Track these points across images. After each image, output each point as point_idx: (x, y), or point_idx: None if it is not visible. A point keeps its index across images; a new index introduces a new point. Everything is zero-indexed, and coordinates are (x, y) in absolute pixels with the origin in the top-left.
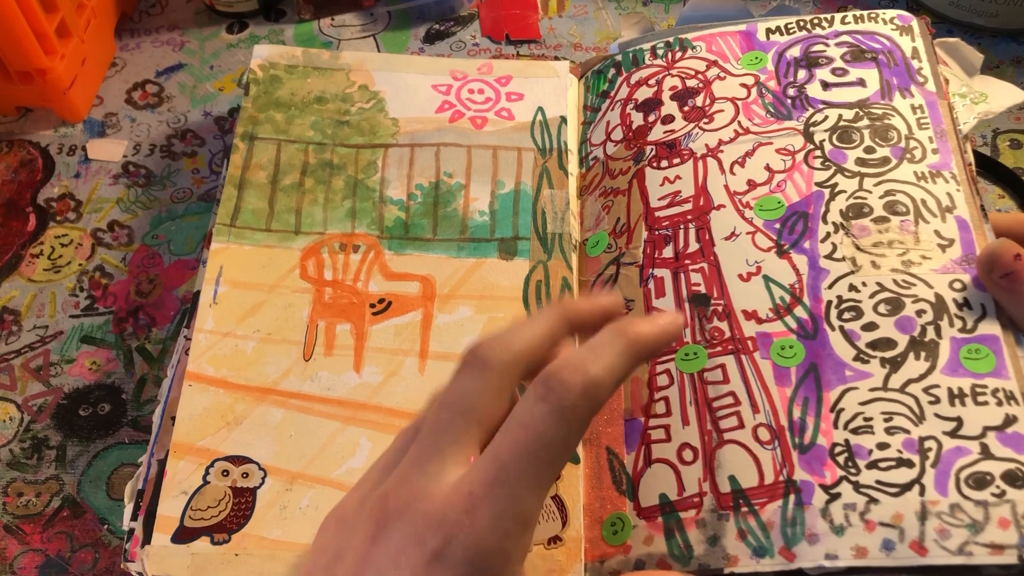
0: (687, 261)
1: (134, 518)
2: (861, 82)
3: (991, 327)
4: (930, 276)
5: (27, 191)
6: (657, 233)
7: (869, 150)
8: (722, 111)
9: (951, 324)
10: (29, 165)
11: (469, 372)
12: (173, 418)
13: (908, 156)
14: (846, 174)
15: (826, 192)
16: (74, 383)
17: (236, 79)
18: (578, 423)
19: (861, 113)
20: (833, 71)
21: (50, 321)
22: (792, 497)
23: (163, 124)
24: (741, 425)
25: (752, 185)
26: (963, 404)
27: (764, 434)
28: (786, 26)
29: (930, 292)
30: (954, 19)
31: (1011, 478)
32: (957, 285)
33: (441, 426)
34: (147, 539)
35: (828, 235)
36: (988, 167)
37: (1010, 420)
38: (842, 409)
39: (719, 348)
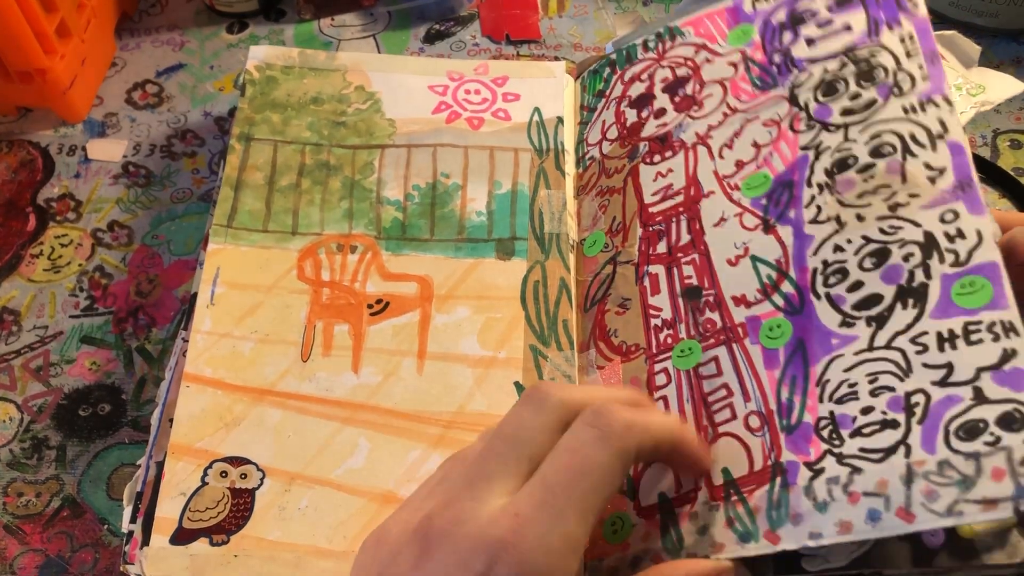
0: (679, 254)
1: (133, 520)
2: (847, 27)
3: (988, 254)
4: (918, 214)
5: (27, 191)
6: (651, 229)
7: (855, 96)
8: (711, 95)
9: (941, 260)
10: (29, 165)
11: (528, 406)
12: (171, 420)
13: (896, 91)
14: (830, 129)
15: (811, 154)
16: (74, 383)
17: (236, 79)
18: (620, 452)
19: (846, 60)
20: (818, 24)
21: (50, 321)
22: (778, 479)
23: (163, 124)
24: (734, 416)
25: (740, 166)
26: (954, 347)
27: (754, 421)
28: None
29: (918, 232)
30: (954, 19)
31: (1007, 422)
32: (949, 216)
33: (493, 453)
34: (146, 541)
35: (813, 198)
36: (986, 170)
37: (1008, 355)
38: (827, 380)
39: (712, 340)
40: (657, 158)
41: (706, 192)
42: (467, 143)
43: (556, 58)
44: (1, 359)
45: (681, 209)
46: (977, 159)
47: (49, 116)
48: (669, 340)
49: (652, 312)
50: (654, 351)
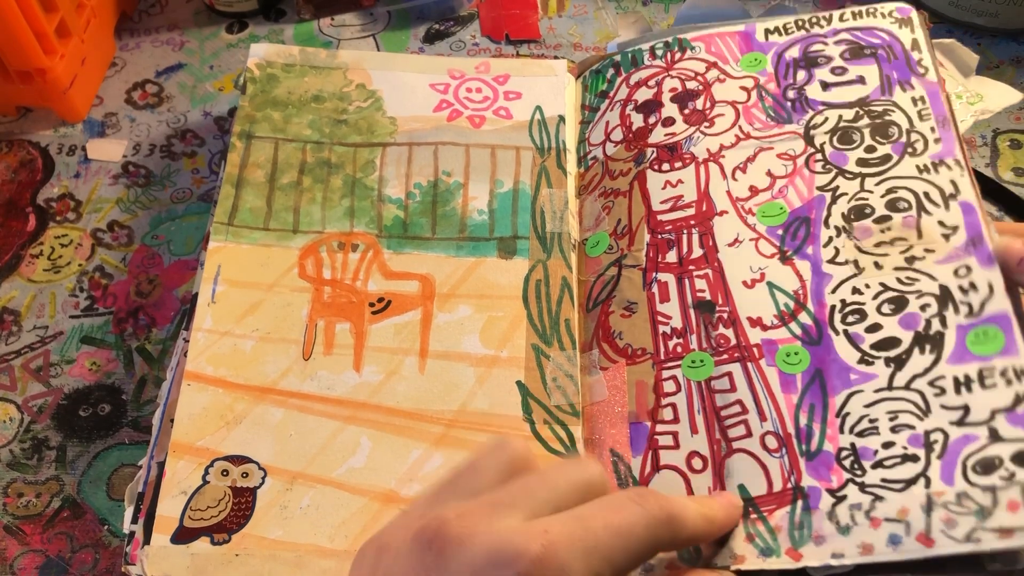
0: (691, 267)
1: (134, 521)
2: (861, 80)
3: (999, 304)
4: (934, 268)
5: (27, 191)
6: (660, 237)
7: (870, 149)
8: (722, 115)
9: (956, 311)
10: (29, 165)
11: (577, 466)
12: (173, 420)
13: (910, 150)
14: (847, 176)
15: (828, 196)
16: (74, 383)
17: (236, 79)
18: (656, 538)
19: (861, 112)
20: (832, 70)
21: (50, 321)
22: (800, 503)
23: (163, 124)
24: (749, 434)
25: (754, 191)
26: (970, 391)
27: (771, 442)
28: (784, 26)
29: (934, 285)
30: (954, 19)
31: (1021, 459)
32: (962, 271)
33: (526, 487)
34: (147, 541)
35: (831, 239)
36: (983, 183)
37: (1020, 398)
38: (848, 413)
39: (725, 356)
40: (666, 167)
41: (719, 211)
42: (468, 141)
43: (556, 58)
44: (1, 359)
45: (693, 222)
46: (975, 174)
47: (49, 116)
48: (679, 349)
49: (661, 319)
50: (662, 357)
